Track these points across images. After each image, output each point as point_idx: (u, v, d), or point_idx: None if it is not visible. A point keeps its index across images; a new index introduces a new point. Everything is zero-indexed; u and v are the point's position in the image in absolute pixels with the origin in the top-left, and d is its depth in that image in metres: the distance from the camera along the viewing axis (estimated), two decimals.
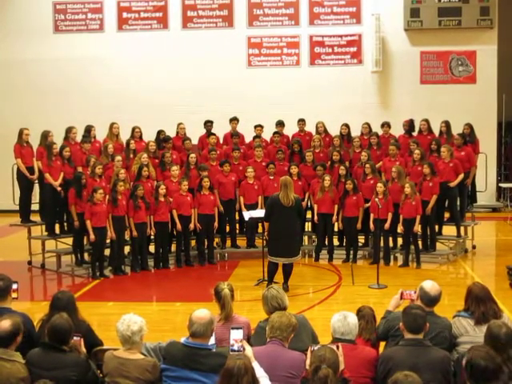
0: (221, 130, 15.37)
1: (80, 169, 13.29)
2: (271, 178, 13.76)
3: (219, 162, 13.99)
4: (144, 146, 14.07)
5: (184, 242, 13.47)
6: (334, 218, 13.48)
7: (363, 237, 13.97)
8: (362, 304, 6.49)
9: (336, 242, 14.05)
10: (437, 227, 13.73)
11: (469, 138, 14.24)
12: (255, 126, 15.14)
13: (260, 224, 13.13)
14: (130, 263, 13.14)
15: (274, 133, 15.04)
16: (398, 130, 14.98)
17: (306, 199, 13.83)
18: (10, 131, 15.52)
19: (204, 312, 5.35)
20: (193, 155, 13.84)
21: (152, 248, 13.56)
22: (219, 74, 20.33)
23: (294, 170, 13.61)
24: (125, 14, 20.95)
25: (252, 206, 13.56)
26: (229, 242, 14.24)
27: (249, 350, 5.02)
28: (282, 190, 11.13)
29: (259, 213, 12.40)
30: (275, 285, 6.65)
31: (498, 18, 20.05)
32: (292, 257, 11.19)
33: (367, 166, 13.46)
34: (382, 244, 13.08)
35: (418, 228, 12.91)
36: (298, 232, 11.57)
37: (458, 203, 13.92)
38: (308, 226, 14.64)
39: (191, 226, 13.25)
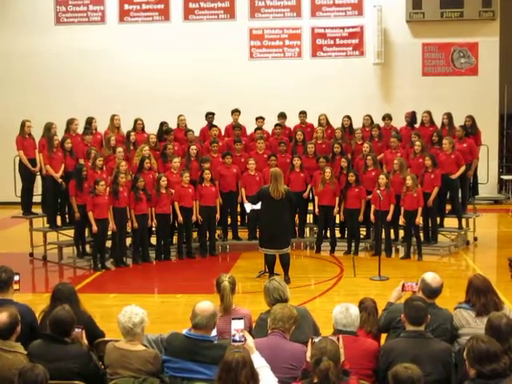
0: (222, 121, 15.36)
1: (82, 161, 13.29)
2: None
3: (221, 154, 13.98)
4: (145, 138, 14.06)
5: (186, 234, 13.48)
6: (336, 210, 13.49)
7: (365, 229, 13.98)
8: (363, 296, 6.48)
9: (338, 234, 14.06)
10: (438, 219, 13.72)
11: (470, 129, 14.23)
12: (257, 118, 15.14)
13: None
14: (132, 255, 13.16)
15: (276, 125, 15.03)
16: (400, 122, 14.97)
17: (308, 191, 13.85)
18: (11, 123, 15.57)
19: (207, 304, 5.36)
20: (193, 147, 13.83)
21: (154, 240, 13.60)
22: (221, 66, 20.31)
23: (297, 161, 13.63)
24: (126, 6, 20.90)
25: (252, 197, 13.53)
26: (230, 234, 14.25)
27: (250, 341, 5.03)
28: (271, 183, 11.17)
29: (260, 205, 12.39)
30: (277, 277, 6.64)
31: (500, 9, 20.00)
32: (280, 248, 11.20)
33: (369, 157, 13.45)
34: (383, 236, 13.09)
35: (419, 220, 12.91)
36: (287, 224, 11.49)
37: (460, 195, 13.93)
38: (310, 218, 14.66)
39: (193, 218, 13.27)
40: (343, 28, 20.52)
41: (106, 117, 14.42)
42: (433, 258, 13.22)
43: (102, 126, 14.47)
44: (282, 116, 15.26)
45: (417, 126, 14.65)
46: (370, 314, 6.09)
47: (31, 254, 13.71)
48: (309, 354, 4.80)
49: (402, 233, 13.51)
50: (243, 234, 14.29)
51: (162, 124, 14.72)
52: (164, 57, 20.57)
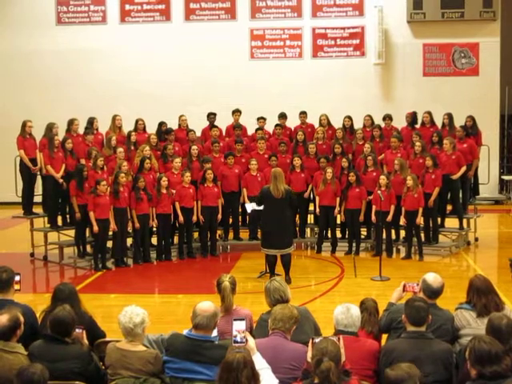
0: (223, 122, 15.36)
1: (83, 161, 13.29)
2: None
3: (224, 155, 13.98)
4: (146, 138, 14.05)
5: (186, 234, 13.47)
6: (337, 210, 13.48)
7: (365, 229, 13.97)
8: (364, 296, 6.47)
9: (338, 234, 14.05)
10: (439, 219, 13.72)
11: (471, 130, 14.22)
12: (257, 119, 15.14)
13: None
14: (132, 255, 13.15)
15: (276, 125, 15.03)
16: (400, 123, 14.95)
17: (308, 191, 13.85)
18: (12, 123, 15.59)
19: (208, 304, 5.34)
20: (194, 147, 13.83)
21: (154, 240, 13.59)
22: (222, 67, 20.34)
23: (297, 161, 13.62)
24: (127, 6, 20.94)
25: (255, 199, 13.52)
26: (231, 234, 14.25)
27: (251, 342, 5.02)
28: (272, 182, 11.17)
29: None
30: (278, 277, 6.64)
31: (501, 10, 20.04)
32: (283, 248, 11.18)
33: (369, 158, 13.44)
34: (384, 236, 13.08)
35: (420, 220, 12.90)
36: (289, 224, 11.51)
37: (461, 195, 13.92)
38: (310, 218, 14.65)
39: (194, 218, 13.27)
40: (344, 28, 20.54)
41: (107, 117, 14.43)
42: (434, 259, 13.20)
43: (103, 126, 14.47)
44: (283, 116, 15.25)
45: (417, 126, 14.63)
46: (371, 314, 6.08)
47: (32, 254, 13.70)
48: (309, 354, 4.79)
49: (402, 233, 13.52)
50: (244, 234, 14.28)
51: (161, 124, 14.73)
52: (165, 57, 20.58)
